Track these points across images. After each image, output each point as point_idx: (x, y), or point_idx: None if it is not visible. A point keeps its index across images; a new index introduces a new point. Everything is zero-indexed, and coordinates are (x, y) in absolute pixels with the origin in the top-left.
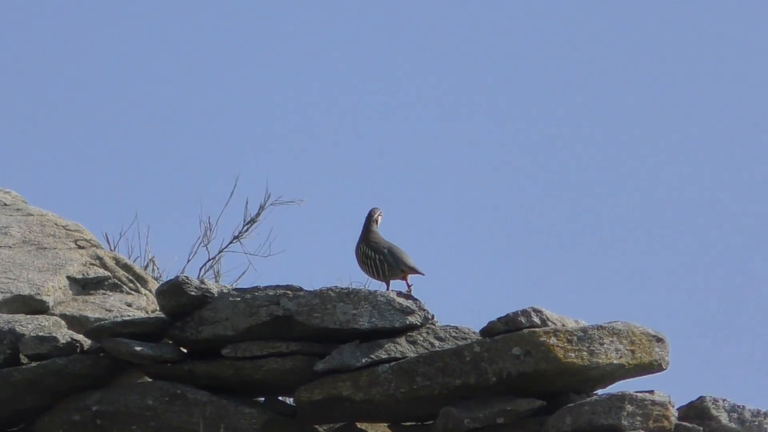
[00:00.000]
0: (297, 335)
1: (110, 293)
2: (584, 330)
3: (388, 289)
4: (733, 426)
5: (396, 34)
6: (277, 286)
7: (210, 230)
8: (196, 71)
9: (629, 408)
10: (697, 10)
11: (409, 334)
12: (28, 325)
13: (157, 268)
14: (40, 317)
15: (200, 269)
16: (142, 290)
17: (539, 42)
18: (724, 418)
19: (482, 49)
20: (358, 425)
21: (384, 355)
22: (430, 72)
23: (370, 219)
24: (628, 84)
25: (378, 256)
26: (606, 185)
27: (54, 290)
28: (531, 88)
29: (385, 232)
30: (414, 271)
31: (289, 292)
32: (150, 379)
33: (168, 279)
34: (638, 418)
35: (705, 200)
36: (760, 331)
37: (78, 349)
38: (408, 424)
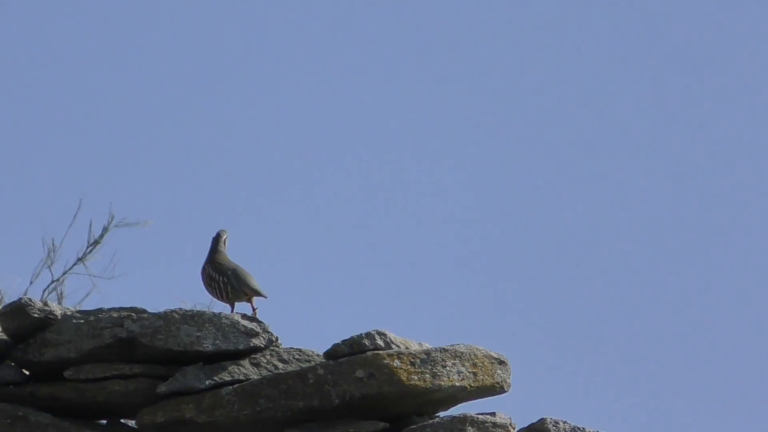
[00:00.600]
0: (141, 357)
1: None
2: (427, 353)
3: (232, 311)
4: None
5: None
6: (121, 308)
7: (53, 252)
8: (40, 88)
9: (471, 430)
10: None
11: (253, 356)
12: None
13: (0, 290)
14: None
15: (44, 291)
16: None
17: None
18: None
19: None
20: None
21: (228, 378)
22: (269, 90)
23: (217, 240)
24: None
25: (222, 278)
26: (447, 205)
27: None
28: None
29: (232, 254)
30: (257, 293)
31: (133, 314)
32: None
33: (10, 301)
34: None
35: (551, 220)
36: (600, 352)
37: None
38: None
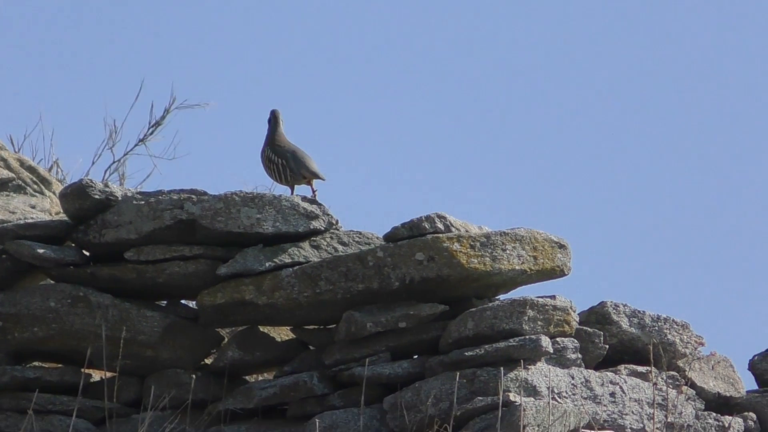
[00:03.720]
0: (201, 239)
1: (14, 195)
2: (487, 236)
3: (292, 193)
4: (634, 331)
5: None
6: (182, 190)
7: (115, 133)
8: None
9: (531, 313)
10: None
11: (312, 238)
12: None
13: (62, 171)
14: None
15: (105, 172)
16: (47, 192)
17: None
18: (624, 323)
19: None
20: (261, 329)
21: (287, 260)
22: None
23: (275, 121)
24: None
25: (280, 161)
26: (515, 94)
27: None
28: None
29: (291, 135)
30: (315, 176)
31: (193, 196)
32: (53, 282)
33: (72, 182)
34: (539, 323)
35: (609, 112)
36: (660, 237)
37: None
38: (310, 327)
